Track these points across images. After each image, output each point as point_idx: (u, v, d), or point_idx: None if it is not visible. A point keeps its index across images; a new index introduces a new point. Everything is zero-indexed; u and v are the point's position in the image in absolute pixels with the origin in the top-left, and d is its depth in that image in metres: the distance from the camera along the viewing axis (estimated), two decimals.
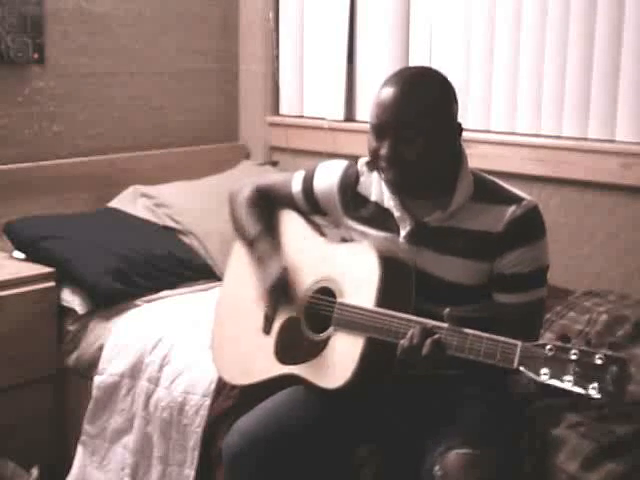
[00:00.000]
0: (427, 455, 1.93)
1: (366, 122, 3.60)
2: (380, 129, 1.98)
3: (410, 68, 2.08)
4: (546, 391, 1.75)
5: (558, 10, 3.08)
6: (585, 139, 3.09)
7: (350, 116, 3.68)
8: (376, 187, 2.13)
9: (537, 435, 2.04)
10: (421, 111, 1.95)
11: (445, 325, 1.85)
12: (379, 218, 2.11)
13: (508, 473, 1.94)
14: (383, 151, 1.98)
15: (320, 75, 3.74)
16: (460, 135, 2.05)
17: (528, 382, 2.05)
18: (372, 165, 2.06)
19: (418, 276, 2.01)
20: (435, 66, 3.43)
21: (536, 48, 3.15)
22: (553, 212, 3.01)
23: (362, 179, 2.15)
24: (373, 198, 2.13)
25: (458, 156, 2.05)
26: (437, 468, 1.86)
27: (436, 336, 1.85)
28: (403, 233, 2.06)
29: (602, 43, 3.00)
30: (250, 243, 2.27)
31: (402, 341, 1.88)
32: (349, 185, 2.16)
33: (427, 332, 1.86)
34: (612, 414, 2.05)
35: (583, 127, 3.09)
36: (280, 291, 2.15)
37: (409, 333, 1.88)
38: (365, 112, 3.62)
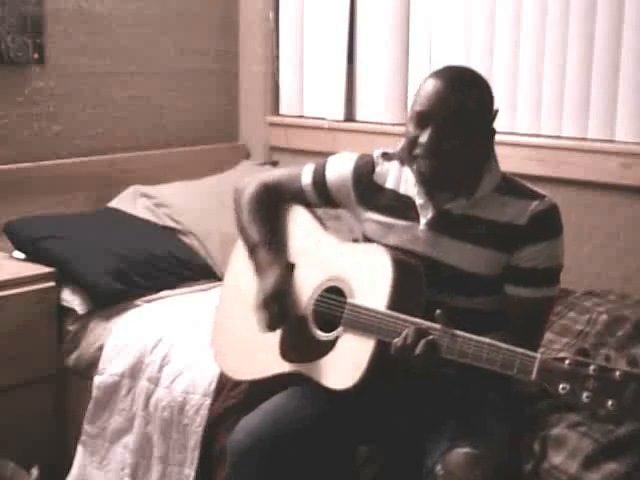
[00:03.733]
0: (428, 454, 1.93)
1: (366, 122, 3.65)
2: (424, 117, 1.99)
3: (458, 66, 2.10)
4: (547, 391, 1.75)
5: (558, 10, 3.08)
6: (585, 139, 3.09)
7: (350, 116, 3.68)
8: (393, 176, 2.14)
9: (537, 435, 2.04)
10: (466, 105, 1.98)
11: (441, 327, 1.85)
12: (397, 205, 2.11)
13: (509, 473, 1.94)
14: (422, 139, 1.99)
15: (320, 75, 3.73)
16: (493, 139, 2.07)
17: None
18: (405, 153, 2.05)
19: (434, 266, 2.02)
20: (435, 66, 3.46)
21: (536, 48, 3.15)
22: None
23: (378, 169, 2.16)
24: (389, 186, 2.13)
25: (488, 157, 2.08)
26: (439, 467, 1.87)
27: (430, 337, 1.85)
28: (424, 220, 2.06)
29: (602, 43, 3.00)
30: (251, 249, 2.25)
31: (395, 340, 1.89)
32: (364, 174, 2.16)
33: (421, 332, 1.87)
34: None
35: (583, 127, 3.09)
36: (271, 306, 2.13)
37: (403, 332, 1.88)
38: (365, 112, 3.63)
